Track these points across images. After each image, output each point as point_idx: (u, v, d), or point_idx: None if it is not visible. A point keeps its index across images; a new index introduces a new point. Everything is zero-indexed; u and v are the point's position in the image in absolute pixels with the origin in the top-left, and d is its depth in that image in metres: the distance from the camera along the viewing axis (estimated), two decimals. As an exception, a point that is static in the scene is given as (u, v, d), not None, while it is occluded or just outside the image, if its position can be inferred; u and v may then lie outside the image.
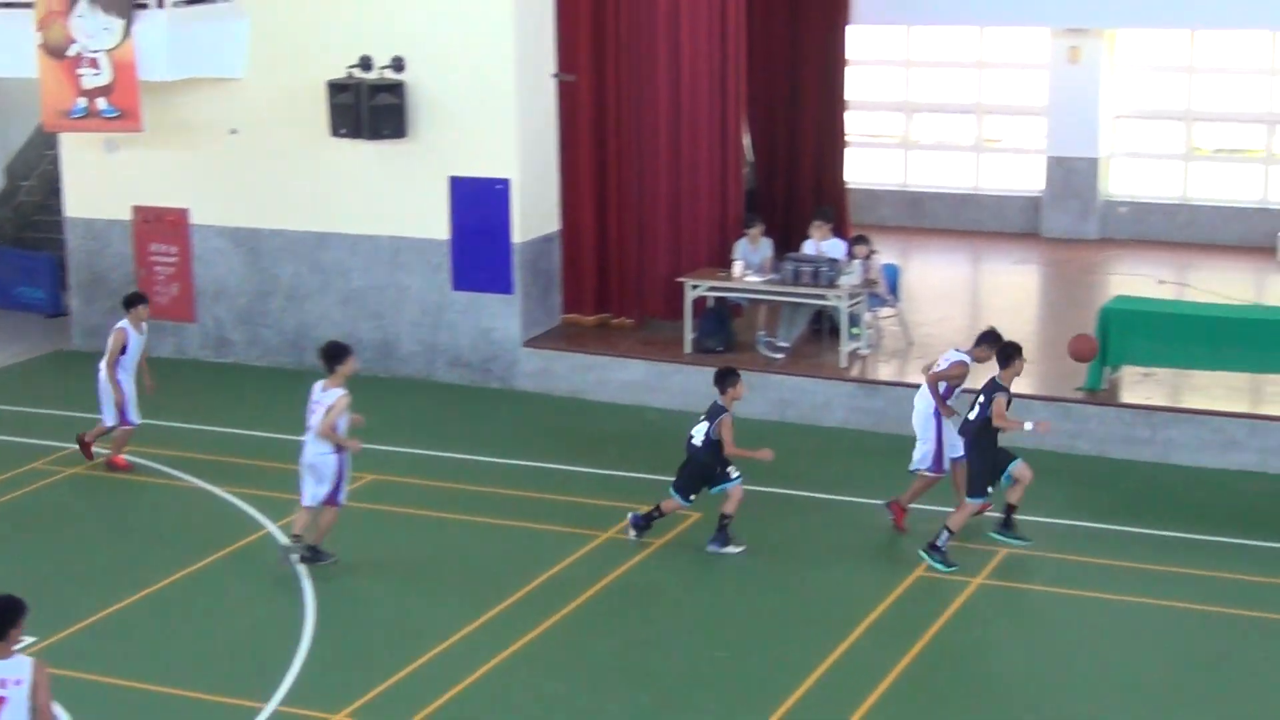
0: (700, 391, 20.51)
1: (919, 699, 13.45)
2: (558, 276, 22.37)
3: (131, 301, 18.97)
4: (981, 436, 15.90)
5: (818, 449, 19.47)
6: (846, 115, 25.73)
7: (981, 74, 29.00)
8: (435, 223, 21.83)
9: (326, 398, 15.78)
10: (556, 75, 21.92)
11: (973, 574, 15.72)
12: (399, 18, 21.47)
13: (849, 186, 26.04)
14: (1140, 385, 19.58)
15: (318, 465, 15.96)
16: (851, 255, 21.10)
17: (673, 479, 16.56)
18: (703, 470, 16.40)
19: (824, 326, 21.69)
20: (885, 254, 23.05)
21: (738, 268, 21.10)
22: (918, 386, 19.56)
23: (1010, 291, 24.96)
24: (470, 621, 14.82)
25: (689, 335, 21.21)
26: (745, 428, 19.99)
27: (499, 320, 21.75)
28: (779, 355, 20.89)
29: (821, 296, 20.66)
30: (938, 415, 16.63)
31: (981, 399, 15.92)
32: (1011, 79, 28.92)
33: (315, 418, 15.81)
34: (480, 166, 21.54)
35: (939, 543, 15.86)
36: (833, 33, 25.42)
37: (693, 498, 16.50)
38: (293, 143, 22.27)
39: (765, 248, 21.45)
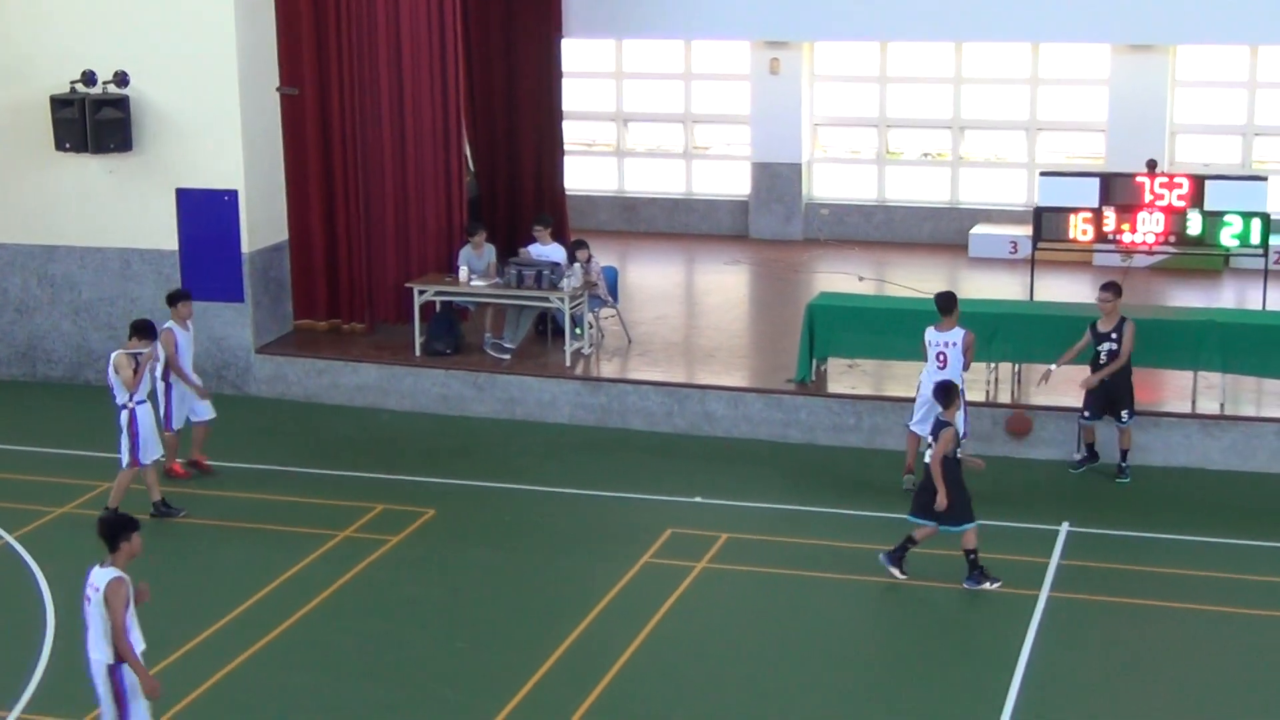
0: (431, 393, 20.55)
1: (651, 677, 13.65)
2: (288, 284, 22.12)
3: (175, 299, 18.15)
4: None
5: (545, 445, 19.57)
6: (563, 125, 25.86)
7: (689, 85, 29.41)
8: (164, 234, 21.43)
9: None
10: (280, 89, 21.69)
11: (696, 559, 15.98)
12: (122, 33, 21.00)
13: (568, 193, 26.19)
14: (846, 376, 20.07)
15: (118, 421, 16.78)
16: (572, 259, 21.27)
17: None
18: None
19: (548, 328, 21.83)
20: (603, 257, 23.27)
21: (463, 273, 21.09)
22: (639, 383, 19.98)
23: (723, 290, 25.36)
24: (213, 623, 14.59)
25: (418, 339, 21.15)
26: (474, 426, 20.12)
27: (231, 328, 21.43)
28: (506, 356, 20.94)
29: (544, 299, 20.77)
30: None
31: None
32: (717, 90, 29.36)
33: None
34: (207, 178, 21.20)
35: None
36: (547, 46, 25.48)
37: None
38: (17, 157, 21.65)
39: (489, 253, 21.49)
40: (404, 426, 20.18)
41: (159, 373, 17.90)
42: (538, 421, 20.24)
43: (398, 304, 21.90)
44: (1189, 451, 18.45)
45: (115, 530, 11.33)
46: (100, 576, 11.19)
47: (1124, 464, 18.10)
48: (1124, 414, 17.91)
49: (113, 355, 16.98)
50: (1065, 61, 27.60)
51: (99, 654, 11.28)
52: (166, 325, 17.96)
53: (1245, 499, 17.60)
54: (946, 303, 17.60)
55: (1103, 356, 17.82)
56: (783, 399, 19.50)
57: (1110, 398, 17.91)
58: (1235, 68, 26.80)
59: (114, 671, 11.27)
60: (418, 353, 21.09)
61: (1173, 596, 15.10)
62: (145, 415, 16.88)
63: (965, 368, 17.35)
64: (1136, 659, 14.01)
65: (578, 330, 21.12)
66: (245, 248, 21.28)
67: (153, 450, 17.03)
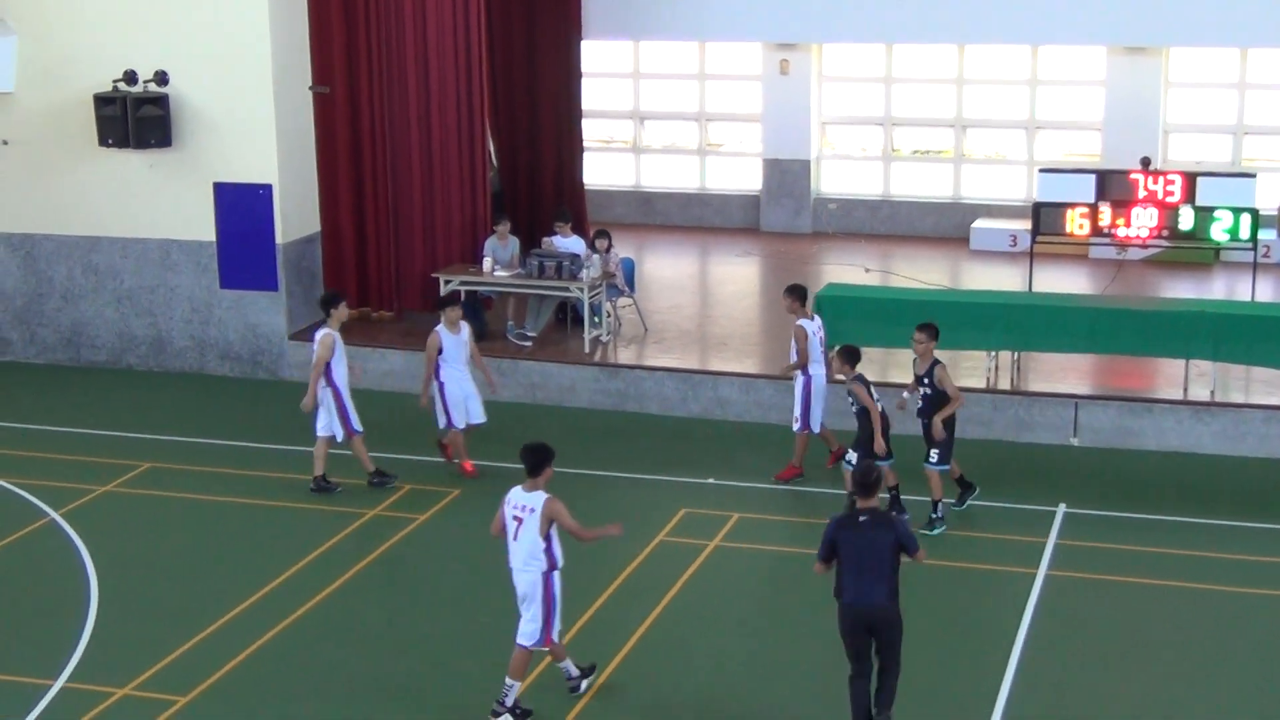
0: (456, 378, 20.50)
1: (665, 651, 13.66)
2: (320, 273, 22.14)
3: (444, 303, 17.86)
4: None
5: (565, 428, 19.53)
6: (582, 123, 25.83)
7: (703, 84, 29.35)
8: (202, 226, 21.45)
9: (318, 334, 17.11)
10: (313, 87, 21.68)
11: (709, 538, 15.97)
12: (162, 35, 21.03)
13: (587, 188, 26.15)
14: (852, 363, 20.01)
15: (320, 396, 17.07)
16: (593, 250, 21.25)
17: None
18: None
19: (567, 316, 21.81)
20: (621, 249, 23.19)
21: (487, 263, 21.07)
22: (655, 369, 19.99)
23: (734, 281, 25.33)
24: (248, 596, 14.62)
25: (444, 327, 21.14)
26: (497, 410, 20.06)
27: (265, 315, 21.45)
28: (527, 343, 20.93)
29: (565, 288, 20.75)
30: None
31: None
32: (730, 89, 29.28)
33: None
34: (243, 173, 21.23)
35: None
36: (567, 47, 25.47)
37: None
38: (63, 152, 21.69)
39: (512, 245, 21.47)
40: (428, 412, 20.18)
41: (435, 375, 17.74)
42: (558, 406, 20.22)
43: (424, 293, 21.89)
44: (1181, 436, 18.40)
45: (539, 458, 12.25)
46: (532, 499, 12.21)
47: (935, 515, 16.05)
48: (932, 454, 16.06)
49: (321, 334, 17.09)
50: (1063, 63, 27.48)
51: (534, 565, 12.29)
52: (436, 328, 17.67)
53: (1235, 482, 17.54)
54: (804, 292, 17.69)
55: (920, 400, 16.17)
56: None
57: (924, 436, 16.19)
58: (1226, 69, 26.67)
59: (547, 578, 12.31)
60: (443, 340, 21.06)
61: (1165, 575, 15.08)
62: (346, 390, 17.17)
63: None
64: (1130, 635, 13.97)
65: (596, 319, 21.09)
66: (279, 239, 21.30)
67: (354, 422, 17.26)
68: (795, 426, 17.39)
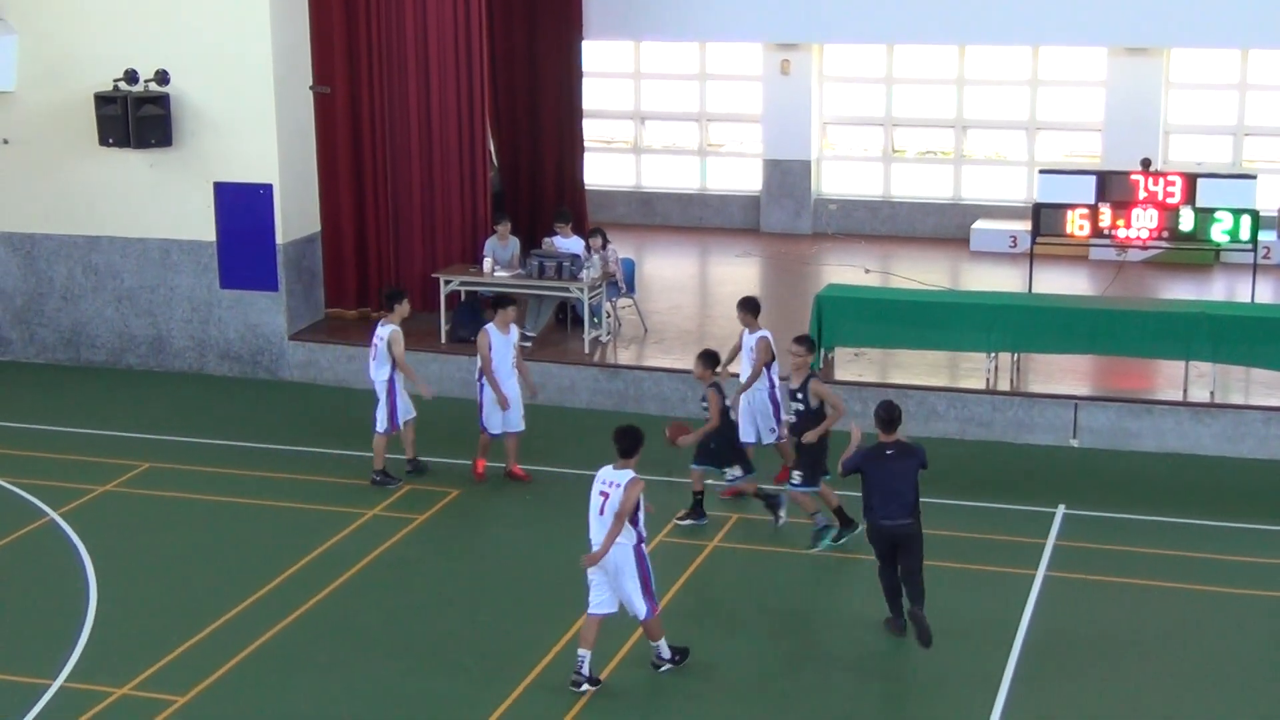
0: (455, 378, 20.54)
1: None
2: (320, 274, 22.16)
3: (497, 303, 17.54)
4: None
5: (566, 429, 19.55)
6: (583, 123, 25.83)
7: (703, 85, 29.36)
8: (202, 225, 21.46)
9: (384, 332, 17.33)
10: (313, 87, 21.70)
11: (708, 539, 15.98)
12: (163, 34, 21.04)
13: (587, 188, 26.15)
14: (852, 364, 20.04)
15: (377, 391, 17.40)
16: (589, 249, 21.26)
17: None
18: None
19: (567, 317, 21.82)
20: (621, 249, 23.17)
21: (487, 264, 21.08)
22: (654, 369, 19.96)
23: (735, 282, 25.26)
24: (247, 596, 14.62)
25: (444, 327, 21.15)
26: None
27: (265, 315, 21.46)
28: (527, 344, 20.89)
29: (565, 289, 20.76)
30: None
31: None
32: (730, 89, 29.30)
33: (374, 352, 17.48)
34: (243, 172, 21.24)
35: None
36: (568, 47, 25.45)
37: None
38: (63, 152, 21.70)
39: (513, 245, 21.47)
40: (430, 411, 20.12)
41: (475, 374, 17.75)
42: (557, 406, 20.21)
43: (424, 293, 21.90)
44: (1181, 438, 18.40)
45: (633, 441, 13.00)
46: (620, 475, 12.85)
47: (817, 526, 15.80)
48: (795, 476, 15.64)
49: (390, 331, 17.25)
50: (1063, 64, 27.49)
51: (623, 539, 12.80)
52: (485, 327, 17.53)
53: (1234, 483, 17.55)
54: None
55: (794, 416, 15.71)
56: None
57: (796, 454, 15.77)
58: (1226, 70, 26.68)
59: (637, 550, 12.85)
60: (443, 340, 21.09)
61: (1164, 576, 15.08)
62: (399, 386, 17.43)
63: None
64: (1130, 635, 13.97)
65: (596, 319, 21.10)
66: (279, 239, 21.31)
67: (398, 420, 17.48)
68: (773, 438, 17.26)
